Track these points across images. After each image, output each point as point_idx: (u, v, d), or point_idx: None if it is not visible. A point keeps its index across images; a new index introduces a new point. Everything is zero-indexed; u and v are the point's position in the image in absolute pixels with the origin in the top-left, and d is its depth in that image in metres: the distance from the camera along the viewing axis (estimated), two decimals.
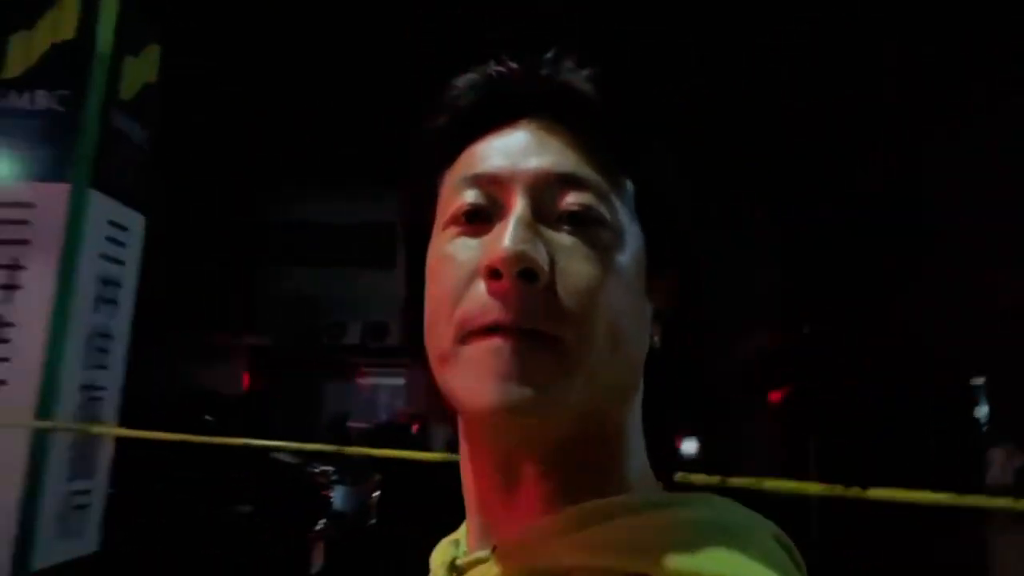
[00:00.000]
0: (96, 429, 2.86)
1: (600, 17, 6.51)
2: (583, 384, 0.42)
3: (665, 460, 0.52)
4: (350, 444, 11.43)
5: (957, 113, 7.77)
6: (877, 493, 1.88)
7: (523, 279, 0.41)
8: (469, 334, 0.43)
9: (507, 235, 0.42)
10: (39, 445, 2.94)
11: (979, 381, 7.69)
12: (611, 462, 0.46)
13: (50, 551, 2.98)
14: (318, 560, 5.21)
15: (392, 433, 12.18)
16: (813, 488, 1.80)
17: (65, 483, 3.08)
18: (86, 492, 3.23)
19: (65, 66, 3.24)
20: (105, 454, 3.37)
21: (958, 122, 7.80)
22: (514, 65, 0.51)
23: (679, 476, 1.86)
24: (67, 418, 3.05)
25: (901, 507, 1.94)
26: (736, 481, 1.95)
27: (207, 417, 6.01)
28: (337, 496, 5.94)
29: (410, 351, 0.52)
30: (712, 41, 7.26)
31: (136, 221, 3.56)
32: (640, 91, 0.50)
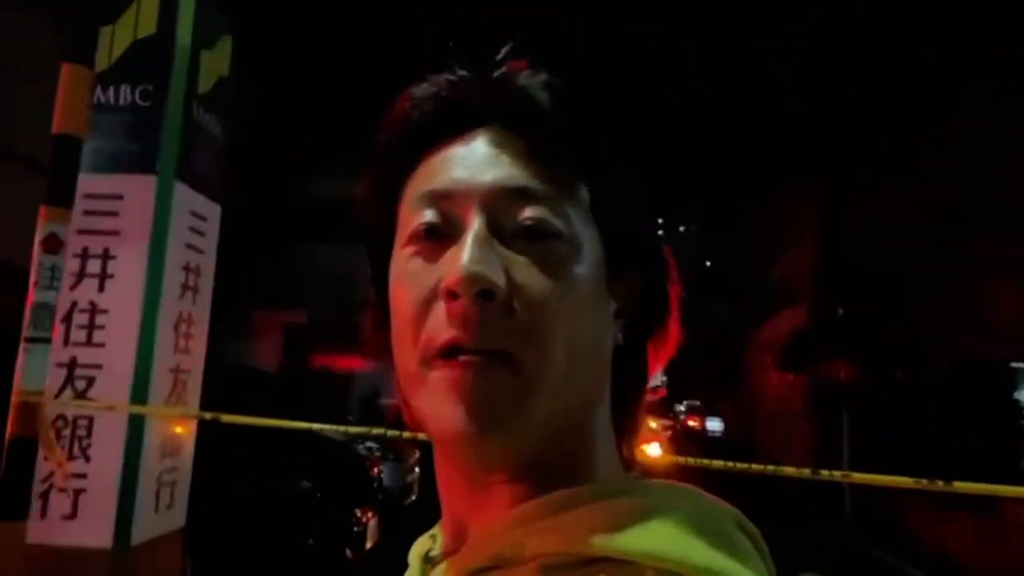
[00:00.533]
0: (194, 413, 3.01)
1: (559, 18, 6.51)
2: (545, 403, 0.43)
3: (631, 454, 0.53)
4: (382, 421, 11.68)
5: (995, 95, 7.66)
6: (963, 486, 1.96)
7: (481, 299, 0.42)
8: (432, 356, 0.44)
9: (464, 255, 0.43)
10: (135, 426, 3.10)
11: (1020, 364, 7.66)
12: (578, 460, 0.47)
13: (146, 527, 3.16)
14: (373, 535, 5.40)
15: None
16: (902, 481, 1.87)
17: (158, 461, 3.25)
18: (174, 470, 3.40)
19: (147, 61, 3.34)
20: (189, 433, 3.54)
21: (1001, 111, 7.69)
22: (465, 73, 0.51)
23: (807, 471, 1.93)
24: (159, 400, 3.21)
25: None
26: (825, 473, 2.04)
27: (256, 395, 6.20)
28: (385, 473, 6.12)
29: (376, 354, 0.53)
30: (676, 39, 7.23)
31: (214, 211, 3.69)
32: (592, 95, 0.50)
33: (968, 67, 8.18)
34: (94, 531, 2.98)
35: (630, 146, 0.52)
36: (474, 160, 0.47)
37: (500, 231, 0.46)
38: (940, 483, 1.96)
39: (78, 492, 2.99)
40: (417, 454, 7.64)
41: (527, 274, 0.44)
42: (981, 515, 6.97)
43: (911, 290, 9.67)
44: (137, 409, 2.82)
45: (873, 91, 8.55)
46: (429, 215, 0.47)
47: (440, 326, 0.43)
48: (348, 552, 5.04)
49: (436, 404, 0.44)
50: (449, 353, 0.43)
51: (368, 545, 5.35)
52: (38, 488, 2.87)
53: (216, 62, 3.66)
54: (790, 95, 8.34)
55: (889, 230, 10.54)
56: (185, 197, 3.41)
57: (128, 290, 3.19)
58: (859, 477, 2.01)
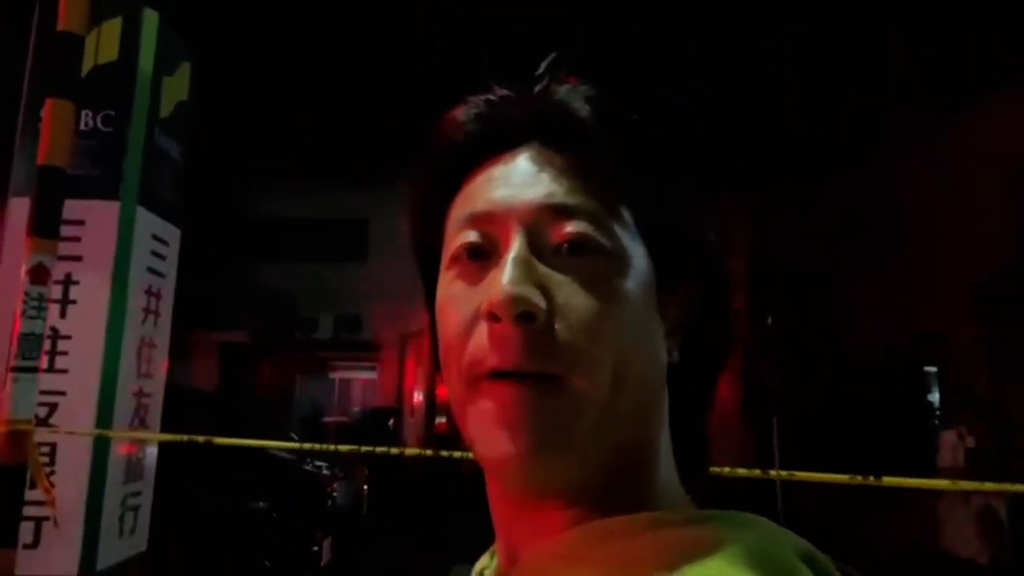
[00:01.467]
0: (186, 437, 3.02)
1: (593, 26, 6.76)
2: (592, 425, 0.42)
3: (695, 474, 0.51)
4: (325, 440, 11.56)
5: (924, 111, 8.29)
6: (891, 481, 2.22)
7: (522, 321, 0.42)
8: (476, 379, 0.44)
9: (503, 278, 0.42)
10: (100, 451, 3.09)
11: (932, 369, 8.27)
12: (634, 484, 0.46)
13: (110, 552, 3.14)
14: (328, 554, 5.41)
15: (371, 428, 12.34)
16: (839, 478, 2.11)
17: (121, 486, 3.24)
18: (138, 494, 3.39)
19: (108, 87, 3.35)
20: (152, 457, 3.53)
21: (925, 121, 8.34)
22: (505, 92, 0.50)
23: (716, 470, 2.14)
24: (123, 425, 3.21)
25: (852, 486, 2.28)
26: (773, 473, 2.27)
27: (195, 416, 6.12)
28: (338, 491, 6.13)
29: (439, 376, 0.52)
30: (709, 43, 7.57)
31: (174, 234, 3.71)
32: (634, 107, 0.49)
33: (895, 79, 8.83)
34: (59, 559, 2.96)
35: (674, 157, 0.51)
36: (514, 179, 0.47)
37: (541, 250, 0.45)
38: (872, 479, 2.22)
39: (41, 520, 2.96)
40: (367, 472, 7.64)
41: (569, 292, 0.43)
42: (897, 508, 7.50)
43: (835, 299, 10.29)
44: (128, 435, 2.84)
45: (801, 100, 9.11)
46: (470, 236, 0.47)
47: (483, 349, 0.43)
48: (304, 572, 5.05)
49: (481, 428, 0.43)
50: (493, 376, 0.43)
51: (323, 563, 5.36)
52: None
53: (176, 87, 3.69)
54: (721, 103, 8.78)
55: (816, 241, 11.20)
56: (147, 222, 3.43)
57: (91, 315, 3.18)
58: (802, 475, 2.24)
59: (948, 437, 7.30)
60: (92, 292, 3.19)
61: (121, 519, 3.23)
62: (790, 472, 2.22)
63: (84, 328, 3.16)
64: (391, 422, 12.85)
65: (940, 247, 7.82)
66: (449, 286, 0.47)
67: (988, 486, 2.89)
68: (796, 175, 11.15)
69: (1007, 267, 6.75)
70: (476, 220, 0.47)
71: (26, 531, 2.94)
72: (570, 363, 0.42)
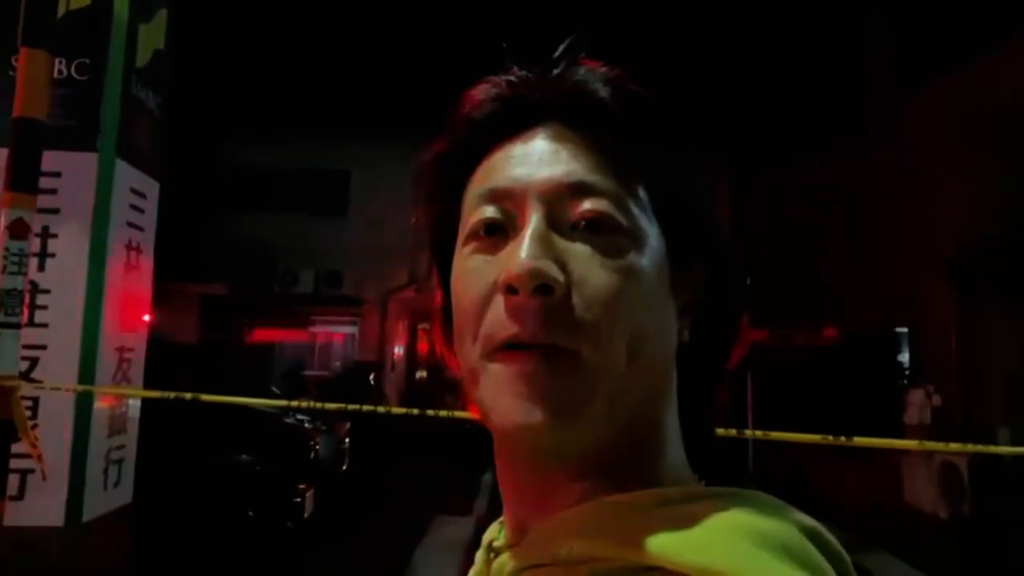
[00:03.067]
0: (174, 394, 3.03)
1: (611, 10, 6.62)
2: (604, 398, 0.43)
3: (702, 453, 0.51)
4: (307, 394, 11.62)
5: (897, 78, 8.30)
6: (861, 441, 2.30)
7: (539, 294, 0.42)
8: (492, 351, 0.44)
9: (522, 251, 0.43)
10: (83, 405, 3.10)
11: (903, 330, 8.46)
12: (643, 461, 0.46)
13: (96, 504, 3.18)
14: (311, 505, 5.50)
15: (352, 383, 12.41)
16: (811, 438, 2.19)
17: (105, 439, 3.26)
18: (121, 447, 3.41)
19: (82, 33, 3.25)
20: (135, 411, 3.54)
21: (900, 89, 8.35)
22: (524, 72, 0.51)
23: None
24: (106, 380, 3.21)
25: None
26: (748, 432, 2.34)
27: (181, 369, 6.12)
28: (320, 445, 6.20)
29: (447, 358, 0.53)
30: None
31: (153, 188, 3.65)
32: (651, 89, 0.50)
33: (872, 47, 8.80)
34: (45, 510, 2.99)
35: (690, 138, 0.52)
36: (533, 157, 0.47)
37: (559, 226, 0.45)
38: (843, 439, 2.30)
39: (26, 472, 2.97)
40: (348, 425, 7.72)
41: (586, 268, 0.44)
42: (862, 464, 7.76)
43: (812, 261, 10.43)
44: (116, 391, 2.84)
45: (780, 68, 9.07)
46: (489, 212, 0.47)
47: (500, 321, 0.44)
48: (288, 523, 5.13)
49: (496, 398, 0.44)
50: (509, 348, 0.43)
51: (306, 515, 5.46)
52: None
53: (153, 35, 3.59)
54: (703, 65, 8.72)
55: (791, 205, 11.28)
56: (125, 174, 3.37)
57: (70, 269, 3.15)
58: (777, 435, 2.31)
59: (916, 396, 7.51)
60: (71, 245, 3.15)
61: (105, 472, 3.25)
62: (765, 432, 2.29)
63: (63, 282, 3.13)
64: (372, 377, 12.91)
65: (913, 211, 7.92)
66: (466, 260, 0.48)
67: (954, 447, 3.00)
68: (774, 142, 11.17)
69: (978, 232, 6.87)
70: (495, 196, 0.47)
71: (11, 483, 2.96)
72: (585, 338, 0.43)
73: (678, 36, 7.58)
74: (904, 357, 8.51)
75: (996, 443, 5.37)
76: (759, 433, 2.28)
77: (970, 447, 2.26)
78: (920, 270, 7.72)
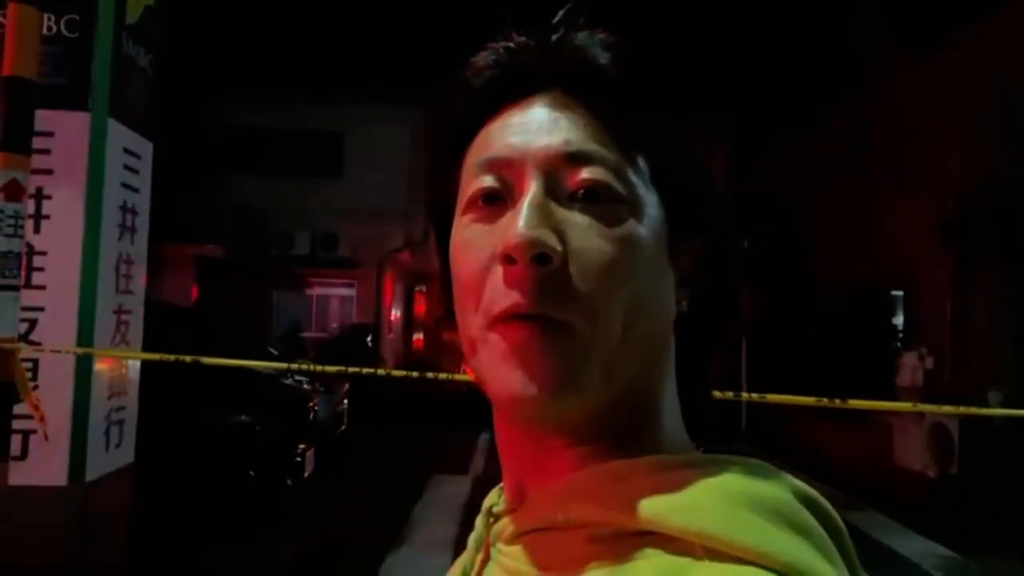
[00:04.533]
0: (173, 356, 3.04)
1: None
2: (602, 367, 0.43)
3: (700, 421, 0.52)
4: (304, 355, 11.68)
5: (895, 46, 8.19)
6: (856, 403, 2.33)
7: (538, 263, 0.42)
8: (491, 320, 0.44)
9: (520, 220, 0.43)
10: (83, 367, 3.11)
11: (898, 293, 8.51)
12: (640, 428, 0.47)
13: (98, 464, 3.21)
14: (310, 464, 5.58)
15: (349, 344, 12.47)
16: (806, 400, 2.21)
17: (106, 401, 3.28)
18: (122, 408, 3.43)
19: None
20: (135, 372, 3.56)
21: (897, 55, 8.24)
22: (524, 39, 0.51)
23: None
24: (104, 342, 3.21)
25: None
26: (745, 395, 2.37)
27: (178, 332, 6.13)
28: (319, 405, 6.26)
29: (446, 326, 0.53)
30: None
31: (147, 148, 3.60)
32: (651, 57, 0.49)
33: (870, 12, 8.66)
34: (48, 470, 3.02)
35: (691, 108, 0.52)
36: (532, 126, 0.47)
37: (558, 195, 0.45)
38: (838, 401, 2.33)
39: (28, 433, 3.00)
40: (346, 386, 7.78)
41: (585, 237, 0.44)
42: (853, 424, 7.88)
43: (808, 225, 10.42)
44: (118, 353, 2.85)
45: (780, 30, 8.94)
46: (487, 181, 0.47)
47: (499, 290, 0.44)
48: (288, 481, 5.21)
49: (495, 367, 0.44)
50: (508, 317, 0.43)
51: (306, 474, 5.54)
52: None
53: None
54: (705, 25, 8.58)
55: (789, 169, 11.21)
56: (119, 135, 3.32)
57: (66, 231, 3.13)
58: (773, 398, 2.34)
59: (909, 358, 7.59)
60: (66, 207, 3.13)
61: (107, 433, 3.28)
62: (761, 395, 2.31)
63: (59, 244, 3.11)
64: (369, 339, 12.98)
65: (910, 175, 7.89)
66: (464, 230, 0.48)
67: (947, 409, 3.04)
68: (770, 104, 11.05)
69: (973, 196, 6.86)
70: (493, 165, 0.47)
71: (14, 444, 2.99)
72: (583, 306, 0.43)
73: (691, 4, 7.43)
74: (899, 320, 8.58)
75: (987, 406, 5.45)
76: (755, 396, 2.30)
77: (963, 409, 2.29)
78: (917, 233, 7.73)
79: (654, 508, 0.40)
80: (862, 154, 8.99)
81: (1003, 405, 5.56)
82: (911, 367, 7.47)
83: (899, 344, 8.23)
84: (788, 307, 10.56)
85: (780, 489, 0.42)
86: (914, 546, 5.40)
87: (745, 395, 2.25)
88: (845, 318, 9.08)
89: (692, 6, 8.10)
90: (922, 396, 6.78)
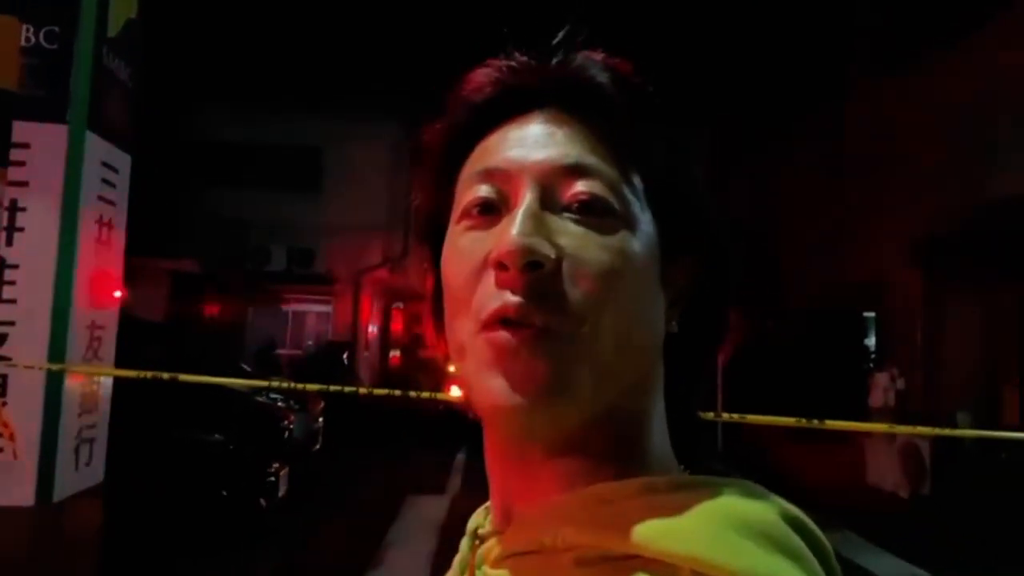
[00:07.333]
0: (151, 373, 2.98)
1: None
2: (590, 379, 0.43)
3: (687, 443, 0.51)
4: (279, 372, 11.51)
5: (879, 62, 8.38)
6: (832, 424, 2.36)
7: (529, 271, 0.42)
8: (481, 327, 0.44)
9: (514, 228, 0.43)
10: (53, 384, 3.04)
11: (870, 314, 8.65)
12: (629, 447, 0.46)
13: (67, 484, 3.13)
14: (284, 484, 5.48)
15: (325, 362, 12.32)
16: (786, 420, 2.23)
17: (76, 418, 3.20)
18: (93, 427, 3.35)
19: (50, 0, 3.14)
20: (106, 389, 3.49)
21: (872, 73, 8.45)
22: (524, 58, 0.51)
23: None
24: (77, 358, 3.15)
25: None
26: (725, 416, 2.38)
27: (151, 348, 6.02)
28: (296, 424, 6.16)
29: (437, 339, 0.53)
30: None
31: (125, 161, 3.56)
32: (649, 78, 0.50)
33: (851, 29, 8.87)
34: (14, 490, 2.94)
35: (687, 128, 0.52)
36: (529, 139, 0.48)
37: (553, 207, 0.46)
38: (816, 422, 2.36)
39: None
40: (322, 404, 7.68)
41: (578, 247, 0.44)
42: (826, 444, 7.95)
43: (781, 248, 10.57)
44: (99, 371, 2.78)
45: (761, 44, 9.12)
46: (483, 191, 0.47)
47: (490, 296, 0.44)
48: (262, 501, 5.11)
49: (482, 375, 0.44)
50: (496, 323, 0.43)
51: (280, 494, 5.44)
52: None
53: (125, 3, 3.47)
54: (683, 42, 8.72)
55: (761, 189, 11.40)
56: (96, 147, 3.28)
57: (40, 244, 3.08)
58: (752, 419, 2.36)
59: (881, 379, 7.70)
60: (40, 220, 3.07)
61: (76, 451, 3.20)
62: (741, 415, 2.33)
63: (33, 257, 3.05)
64: (345, 356, 12.84)
65: (882, 197, 8.06)
66: (458, 237, 0.48)
67: (922, 430, 3.10)
68: (746, 127, 11.24)
69: (945, 218, 7.02)
70: (489, 175, 0.47)
71: None
72: (573, 315, 0.43)
73: (670, 20, 7.55)
74: (871, 341, 8.71)
75: (955, 426, 5.54)
76: (735, 416, 2.32)
77: (938, 431, 2.33)
78: (889, 255, 7.88)
79: (642, 532, 0.40)
80: (835, 176, 9.17)
81: (972, 425, 5.67)
82: (883, 387, 7.57)
83: (871, 365, 8.35)
84: (760, 328, 10.67)
85: (769, 511, 0.41)
86: (887, 566, 5.44)
87: (725, 415, 2.27)
88: (818, 339, 9.20)
89: (672, 25, 8.23)
90: (894, 416, 6.87)
